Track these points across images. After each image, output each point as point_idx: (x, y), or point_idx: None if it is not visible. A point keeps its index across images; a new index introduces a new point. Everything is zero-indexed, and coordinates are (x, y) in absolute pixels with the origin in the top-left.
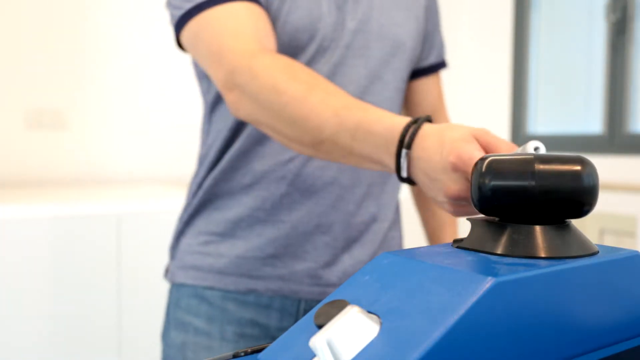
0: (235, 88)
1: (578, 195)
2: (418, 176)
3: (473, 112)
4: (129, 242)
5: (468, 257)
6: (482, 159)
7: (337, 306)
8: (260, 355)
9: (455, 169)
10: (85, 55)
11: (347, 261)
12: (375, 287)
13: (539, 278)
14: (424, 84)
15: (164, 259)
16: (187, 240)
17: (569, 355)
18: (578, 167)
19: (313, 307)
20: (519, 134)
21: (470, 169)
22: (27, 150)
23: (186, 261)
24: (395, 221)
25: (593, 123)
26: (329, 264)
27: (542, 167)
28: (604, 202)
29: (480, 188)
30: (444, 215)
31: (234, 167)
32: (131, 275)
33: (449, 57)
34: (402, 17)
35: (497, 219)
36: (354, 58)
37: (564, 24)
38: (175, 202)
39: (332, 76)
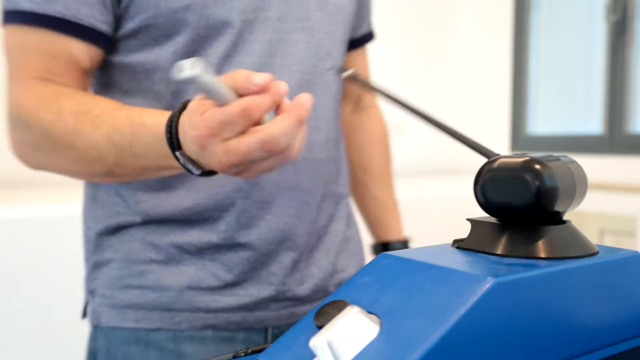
0: (14, 136)
1: (581, 193)
2: (207, 166)
3: (473, 112)
4: None
5: (468, 258)
6: (487, 162)
7: (337, 306)
8: (261, 355)
9: (201, 145)
10: None
11: (316, 274)
12: (375, 287)
13: (539, 278)
14: (354, 58)
15: None
16: (112, 271)
17: (568, 356)
18: (578, 166)
19: (283, 331)
20: (519, 134)
21: (207, 131)
22: None
23: (117, 298)
24: (350, 217)
25: (593, 123)
26: (299, 282)
27: (540, 167)
28: (604, 203)
29: (482, 189)
30: (385, 199)
31: (172, 182)
32: None
33: (448, 57)
34: (334, 25)
35: (497, 219)
36: (292, 32)
37: (564, 24)
38: None
39: (271, 57)
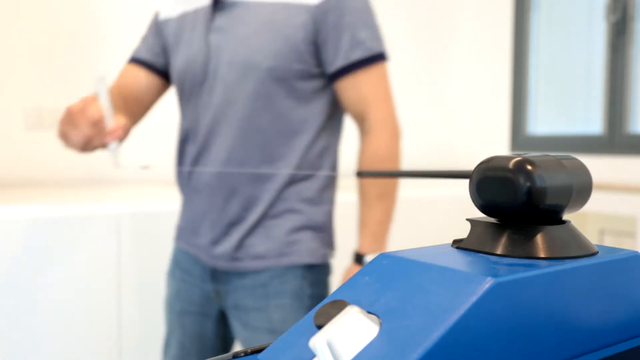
0: None
1: (588, 193)
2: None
3: (473, 113)
4: (129, 243)
5: (468, 258)
6: (483, 161)
7: (337, 306)
8: (260, 355)
9: (61, 136)
10: (86, 54)
11: (227, 243)
12: (375, 287)
13: (539, 278)
14: (341, 86)
15: (164, 259)
16: None
17: (568, 356)
18: (581, 166)
19: (212, 269)
20: (519, 135)
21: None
22: (26, 151)
23: None
24: (282, 211)
25: (593, 123)
26: (214, 242)
27: (570, 166)
28: (604, 203)
29: (480, 189)
30: (364, 216)
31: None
32: (131, 276)
33: (448, 58)
34: (262, 40)
35: (496, 219)
36: (212, 88)
37: (564, 24)
38: (176, 202)
39: (206, 105)
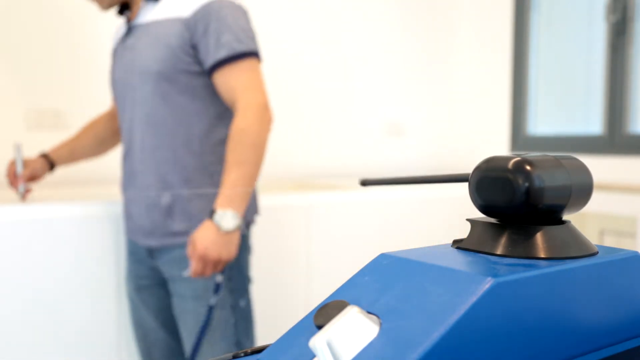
0: None
1: (587, 193)
2: None
3: (473, 113)
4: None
5: (468, 258)
6: (482, 162)
7: (337, 307)
8: (260, 355)
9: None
10: (86, 54)
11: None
12: (375, 287)
13: (539, 278)
14: (215, 80)
15: None
16: None
17: (568, 356)
18: (582, 166)
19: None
20: (519, 135)
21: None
22: (27, 152)
23: None
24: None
25: (593, 124)
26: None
27: (569, 167)
28: (604, 203)
29: (479, 189)
30: (224, 179)
31: None
32: None
33: (448, 58)
34: (150, 50)
35: (496, 219)
36: (120, 98)
37: (564, 25)
38: None
39: (125, 109)
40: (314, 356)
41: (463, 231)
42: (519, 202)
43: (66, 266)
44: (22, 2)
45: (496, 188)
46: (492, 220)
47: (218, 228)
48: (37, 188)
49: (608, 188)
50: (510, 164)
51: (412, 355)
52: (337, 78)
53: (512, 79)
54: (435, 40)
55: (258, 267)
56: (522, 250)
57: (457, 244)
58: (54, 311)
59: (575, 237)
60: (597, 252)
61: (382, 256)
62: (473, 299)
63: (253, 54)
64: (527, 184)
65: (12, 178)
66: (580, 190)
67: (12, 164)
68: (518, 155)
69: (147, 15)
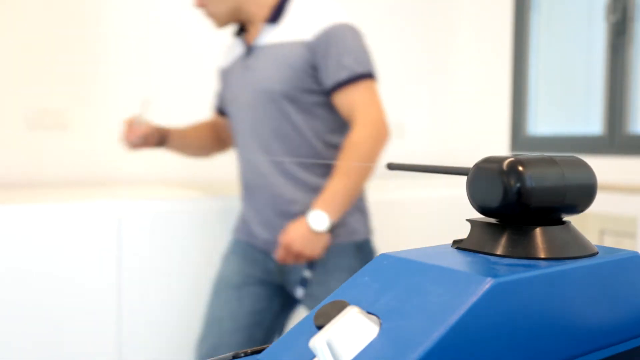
0: None
1: (587, 194)
2: None
3: (473, 113)
4: (130, 243)
5: (467, 258)
6: (478, 162)
7: (337, 307)
8: (260, 355)
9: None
10: (88, 54)
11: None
12: (375, 287)
13: (538, 278)
14: (335, 100)
15: (165, 259)
16: None
17: (568, 356)
18: (584, 167)
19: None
20: (519, 135)
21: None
22: (27, 152)
23: None
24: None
25: (593, 124)
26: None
27: (566, 168)
28: (604, 203)
29: (475, 189)
30: (335, 168)
31: None
32: (132, 276)
33: (449, 58)
34: (274, 71)
35: (496, 219)
36: (240, 114)
37: (564, 25)
38: (177, 202)
39: (243, 124)
40: (314, 356)
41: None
42: (511, 202)
43: (66, 266)
44: (22, 2)
45: (490, 188)
46: (492, 220)
47: (308, 226)
48: (37, 188)
49: (608, 188)
50: (504, 164)
51: (412, 355)
52: None
53: (512, 79)
54: (435, 41)
55: None
56: (522, 250)
57: (457, 244)
58: (53, 311)
59: (575, 237)
60: (597, 252)
61: (382, 256)
62: (473, 299)
63: (371, 75)
64: (519, 184)
65: (129, 128)
66: (578, 190)
67: (132, 119)
68: (513, 155)
69: (267, 37)
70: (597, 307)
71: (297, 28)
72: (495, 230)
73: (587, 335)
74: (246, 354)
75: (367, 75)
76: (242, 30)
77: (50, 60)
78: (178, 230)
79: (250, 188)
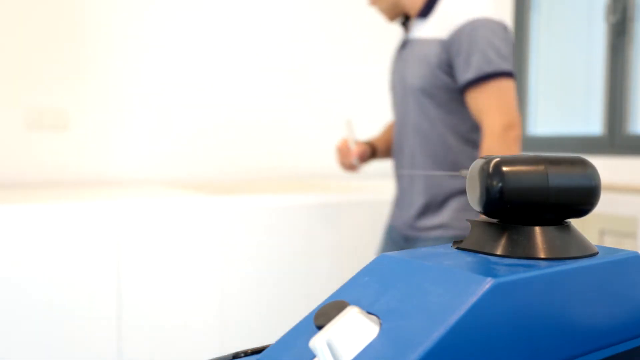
0: None
1: (585, 196)
2: None
3: None
4: (130, 243)
5: (468, 258)
6: (486, 162)
7: (337, 307)
8: (260, 356)
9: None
10: (87, 54)
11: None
12: (375, 287)
13: (539, 279)
14: (466, 100)
15: (165, 259)
16: None
17: (568, 356)
18: (583, 168)
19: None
20: None
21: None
22: (27, 152)
23: None
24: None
25: (593, 124)
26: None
27: (551, 168)
28: (604, 203)
29: (486, 190)
30: None
31: None
32: (132, 276)
33: None
34: (415, 67)
35: (497, 220)
36: (396, 101)
37: (564, 25)
38: (177, 203)
39: (397, 113)
40: (314, 356)
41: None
42: (493, 201)
43: (66, 266)
44: (22, 2)
45: (477, 187)
46: (492, 220)
47: None
48: (37, 188)
49: (608, 188)
50: (490, 164)
51: (412, 355)
52: (336, 78)
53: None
54: None
55: (257, 266)
56: (522, 250)
57: (457, 245)
58: (53, 311)
59: (575, 238)
60: (597, 253)
61: (382, 256)
62: (473, 299)
63: (503, 74)
64: (500, 184)
65: (345, 152)
66: (566, 192)
67: (345, 140)
68: (501, 156)
69: (417, 31)
70: (597, 307)
71: (438, 25)
72: (495, 231)
73: (587, 335)
74: (246, 354)
75: (498, 74)
76: (406, 22)
77: (50, 60)
78: (178, 230)
79: (396, 173)
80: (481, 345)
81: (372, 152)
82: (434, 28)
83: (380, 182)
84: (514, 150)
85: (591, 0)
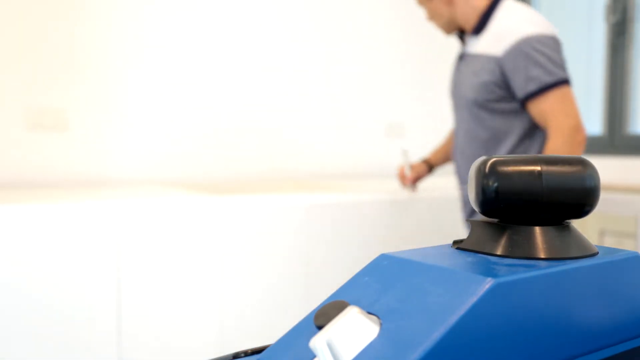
0: None
1: (581, 197)
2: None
3: None
4: (130, 243)
5: (468, 258)
6: (484, 161)
7: (337, 307)
8: (261, 356)
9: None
10: (87, 54)
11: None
12: (375, 287)
13: (539, 279)
14: (529, 109)
15: (165, 259)
16: None
17: (568, 356)
18: (580, 169)
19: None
20: None
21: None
22: (27, 152)
23: None
24: None
25: (593, 124)
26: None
27: (545, 168)
28: (604, 203)
29: (482, 190)
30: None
31: None
32: (132, 276)
33: (448, 58)
34: (469, 80)
35: (497, 220)
36: (454, 109)
37: (564, 25)
38: (177, 203)
39: (455, 121)
40: (314, 356)
41: (463, 231)
42: (488, 201)
43: (66, 266)
44: (22, 2)
45: (474, 187)
46: (492, 220)
47: None
48: (37, 188)
49: (608, 188)
50: (487, 164)
51: (412, 355)
52: (336, 78)
53: None
54: (436, 40)
55: (257, 266)
56: (522, 250)
57: (457, 245)
58: (53, 311)
59: (575, 238)
60: (597, 253)
61: (382, 257)
62: (473, 299)
63: (562, 82)
64: (495, 184)
65: (403, 178)
66: (565, 193)
67: (402, 168)
68: (497, 156)
69: (472, 46)
70: (597, 307)
71: (492, 42)
72: (496, 231)
73: (587, 335)
74: (246, 354)
75: (558, 83)
76: (462, 36)
77: (50, 61)
78: (177, 231)
79: (457, 175)
80: (481, 346)
81: (428, 169)
82: (488, 45)
83: (380, 182)
84: (578, 152)
85: (591, 0)
